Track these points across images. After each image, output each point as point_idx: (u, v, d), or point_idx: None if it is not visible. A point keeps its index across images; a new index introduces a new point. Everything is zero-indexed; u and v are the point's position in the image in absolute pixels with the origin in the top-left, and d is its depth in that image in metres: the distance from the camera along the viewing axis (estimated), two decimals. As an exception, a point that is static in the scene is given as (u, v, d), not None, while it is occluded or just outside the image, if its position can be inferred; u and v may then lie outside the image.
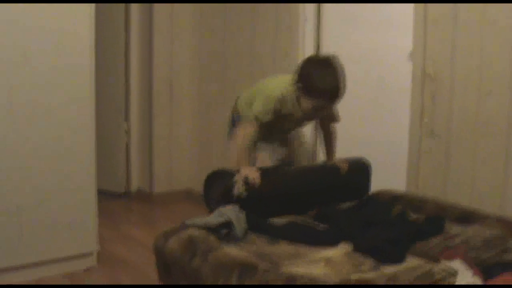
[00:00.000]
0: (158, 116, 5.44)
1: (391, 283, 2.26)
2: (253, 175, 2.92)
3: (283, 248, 2.63)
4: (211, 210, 2.92)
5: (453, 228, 2.80)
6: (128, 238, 4.44)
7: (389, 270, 2.39)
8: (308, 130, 4.11)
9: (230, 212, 2.73)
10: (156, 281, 2.95)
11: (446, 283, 2.23)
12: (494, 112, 3.21)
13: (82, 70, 3.58)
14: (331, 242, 2.67)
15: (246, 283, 2.24)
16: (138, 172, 5.63)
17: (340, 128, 4.30)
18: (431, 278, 2.24)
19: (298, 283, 2.13)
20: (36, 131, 3.44)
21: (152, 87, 5.39)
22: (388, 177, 3.74)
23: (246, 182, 2.89)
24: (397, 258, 2.47)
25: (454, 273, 2.28)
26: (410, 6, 3.60)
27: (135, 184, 5.65)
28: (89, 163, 3.67)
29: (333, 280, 2.26)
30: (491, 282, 2.15)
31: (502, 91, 3.16)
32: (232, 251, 2.48)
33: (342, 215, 2.98)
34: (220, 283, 2.35)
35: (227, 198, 2.92)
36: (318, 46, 4.38)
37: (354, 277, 2.32)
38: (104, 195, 5.18)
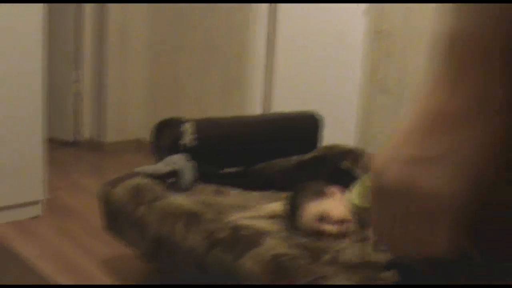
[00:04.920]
0: (111, 64, 5.35)
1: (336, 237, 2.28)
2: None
3: (231, 199, 2.64)
4: (159, 159, 2.90)
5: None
6: (77, 187, 4.39)
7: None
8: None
9: (178, 161, 2.72)
10: (103, 230, 2.93)
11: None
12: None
13: (32, 16, 3.47)
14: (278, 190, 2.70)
15: (191, 232, 2.24)
16: (90, 121, 5.55)
17: (292, 82, 4.30)
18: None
19: (243, 233, 2.14)
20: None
21: (105, 35, 5.29)
22: (338, 132, 3.76)
23: None
24: None
25: None
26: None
27: (86, 133, 5.57)
28: (37, 110, 3.58)
29: (277, 233, 2.27)
30: None
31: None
32: (178, 200, 2.47)
33: (290, 168, 2.99)
34: (165, 232, 2.35)
35: (175, 147, 2.90)
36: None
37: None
38: (54, 143, 5.10)
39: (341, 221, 2.29)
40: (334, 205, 2.33)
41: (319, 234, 2.27)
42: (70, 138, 5.53)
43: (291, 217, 2.39)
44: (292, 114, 3.49)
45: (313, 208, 2.30)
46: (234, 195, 2.69)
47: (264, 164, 3.06)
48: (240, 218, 2.37)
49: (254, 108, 4.38)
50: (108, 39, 5.30)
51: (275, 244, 2.07)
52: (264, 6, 4.30)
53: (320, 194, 2.34)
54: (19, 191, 3.59)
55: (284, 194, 2.74)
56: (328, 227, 2.27)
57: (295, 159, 3.16)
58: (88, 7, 5.34)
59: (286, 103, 4.14)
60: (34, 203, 3.68)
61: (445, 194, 0.58)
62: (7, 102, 3.45)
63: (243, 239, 2.10)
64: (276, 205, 2.55)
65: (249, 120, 3.36)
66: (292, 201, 2.40)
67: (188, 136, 2.91)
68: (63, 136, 5.50)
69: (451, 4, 0.59)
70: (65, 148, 5.42)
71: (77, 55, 5.42)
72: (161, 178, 2.71)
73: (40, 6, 3.49)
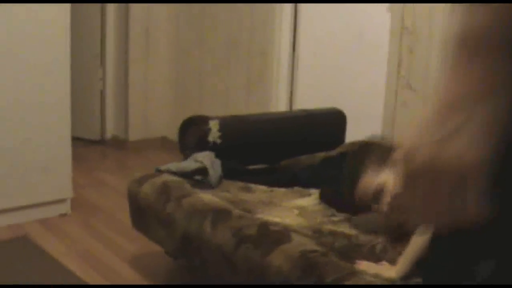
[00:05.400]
0: (134, 62, 5.38)
1: (362, 236, 2.28)
2: None
3: (258, 195, 2.64)
4: (186, 156, 2.92)
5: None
6: (102, 185, 4.43)
7: (359, 221, 2.42)
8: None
9: (205, 159, 2.73)
10: (129, 227, 2.96)
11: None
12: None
13: (56, 16, 3.51)
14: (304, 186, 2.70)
15: (220, 229, 2.25)
16: (113, 119, 5.59)
17: (316, 79, 4.30)
18: (401, 229, 2.26)
19: (271, 229, 2.15)
20: (10, 76, 3.37)
21: (128, 33, 5.32)
22: (363, 128, 3.75)
23: None
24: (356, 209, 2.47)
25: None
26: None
27: (109, 131, 5.61)
28: (65, 109, 3.62)
29: (305, 231, 2.28)
30: None
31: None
32: (206, 197, 2.49)
33: (315, 164, 3.00)
34: (193, 228, 2.36)
35: (202, 144, 2.91)
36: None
37: (326, 228, 2.34)
38: (78, 142, 5.14)
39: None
40: (393, 178, 2.10)
41: (368, 208, 2.21)
42: (96, 136, 5.57)
43: (345, 181, 2.31)
44: (317, 111, 3.50)
45: (372, 179, 2.15)
46: (260, 192, 2.69)
47: (290, 161, 3.07)
48: (268, 214, 2.38)
49: (278, 105, 4.39)
50: (132, 36, 5.33)
51: (303, 241, 2.08)
52: (288, 3, 4.31)
53: (383, 161, 2.14)
54: (47, 189, 3.63)
55: (310, 191, 2.75)
56: (381, 204, 2.13)
57: (320, 155, 3.16)
58: (112, 4, 5.38)
59: (310, 100, 4.14)
60: (62, 201, 3.72)
61: (466, 160, 0.68)
62: (34, 102, 3.49)
63: (272, 236, 2.12)
64: (303, 201, 2.56)
65: (274, 117, 3.37)
66: (352, 164, 2.27)
67: (214, 133, 2.92)
68: (88, 134, 5.55)
69: (463, 5, 0.72)
70: (89, 146, 5.46)
71: (102, 53, 5.46)
72: (186, 175, 2.73)
73: (66, 6, 3.52)
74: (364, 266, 1.99)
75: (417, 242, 1.96)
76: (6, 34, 3.34)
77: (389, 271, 1.96)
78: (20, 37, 3.39)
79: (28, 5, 3.38)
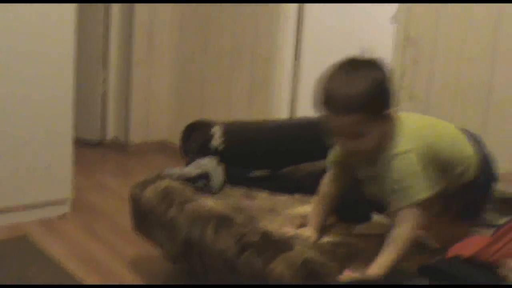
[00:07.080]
0: (137, 65, 5.38)
1: (362, 243, 2.29)
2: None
3: (260, 202, 2.64)
4: (188, 161, 2.93)
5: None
6: (102, 187, 4.43)
7: (359, 230, 2.42)
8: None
9: (207, 164, 2.74)
10: (129, 230, 2.97)
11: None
12: (474, 79, 3.23)
13: (61, 18, 3.51)
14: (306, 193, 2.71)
15: (222, 235, 2.26)
16: (114, 121, 5.59)
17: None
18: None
19: (273, 237, 2.16)
20: (13, 75, 3.38)
21: (132, 36, 5.33)
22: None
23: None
24: (358, 218, 2.49)
25: None
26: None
27: (110, 133, 5.61)
28: (67, 109, 3.62)
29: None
30: None
31: (483, 59, 3.17)
32: (209, 203, 2.49)
33: (317, 172, 3.00)
34: (195, 234, 2.37)
35: (204, 150, 2.92)
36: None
37: (327, 236, 2.34)
38: (78, 143, 5.14)
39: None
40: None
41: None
42: (96, 138, 5.57)
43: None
44: (319, 119, 3.50)
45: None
46: (263, 199, 2.70)
47: (292, 168, 3.07)
48: (270, 222, 2.38)
49: (280, 112, 4.40)
50: (135, 40, 5.34)
51: (305, 249, 2.09)
52: (292, 11, 4.31)
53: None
54: (47, 189, 3.64)
55: (311, 198, 2.75)
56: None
57: (321, 164, 3.16)
58: (116, 7, 5.38)
59: (312, 108, 4.14)
60: (62, 201, 3.72)
61: None
62: (38, 102, 3.50)
63: (274, 243, 2.12)
64: (304, 209, 2.56)
65: (277, 124, 3.37)
66: None
67: (217, 139, 2.93)
68: (88, 136, 5.55)
69: None
70: (90, 148, 5.46)
71: (105, 55, 5.46)
72: (190, 180, 2.73)
73: (72, 7, 3.53)
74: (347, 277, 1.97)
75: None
76: (10, 33, 3.34)
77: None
78: (25, 36, 3.40)
79: (34, 4, 3.39)
